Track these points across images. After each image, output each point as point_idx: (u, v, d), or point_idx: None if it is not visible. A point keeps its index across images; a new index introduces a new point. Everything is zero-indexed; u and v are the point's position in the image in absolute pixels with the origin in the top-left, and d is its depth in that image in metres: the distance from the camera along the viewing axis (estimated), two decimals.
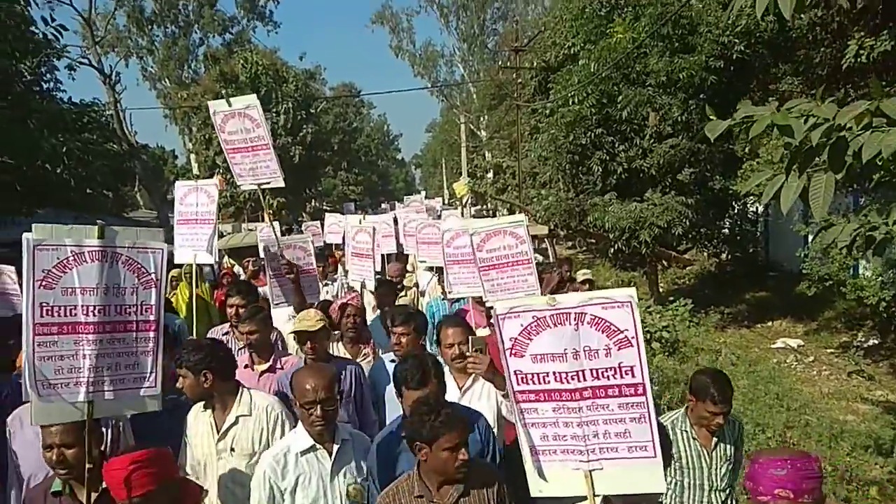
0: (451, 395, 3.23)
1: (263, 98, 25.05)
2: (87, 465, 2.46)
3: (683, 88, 11.17)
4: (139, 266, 2.63)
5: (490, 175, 34.26)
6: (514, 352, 2.22)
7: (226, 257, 11.92)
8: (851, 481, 5.56)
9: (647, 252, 12.07)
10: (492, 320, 2.30)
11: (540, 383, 2.20)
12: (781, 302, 12.40)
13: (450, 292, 5.14)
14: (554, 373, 2.18)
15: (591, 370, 2.14)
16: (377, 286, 6.17)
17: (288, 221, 23.17)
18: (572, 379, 2.15)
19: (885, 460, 6.03)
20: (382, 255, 7.74)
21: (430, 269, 7.62)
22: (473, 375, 3.28)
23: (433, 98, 48.18)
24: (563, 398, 2.18)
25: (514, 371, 2.23)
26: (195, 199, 5.26)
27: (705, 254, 15.59)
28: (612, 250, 12.45)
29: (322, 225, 11.06)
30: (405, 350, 3.71)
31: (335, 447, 2.79)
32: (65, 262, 2.47)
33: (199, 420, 3.15)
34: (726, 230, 14.18)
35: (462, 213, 16.16)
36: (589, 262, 18.21)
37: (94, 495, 2.47)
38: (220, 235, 20.10)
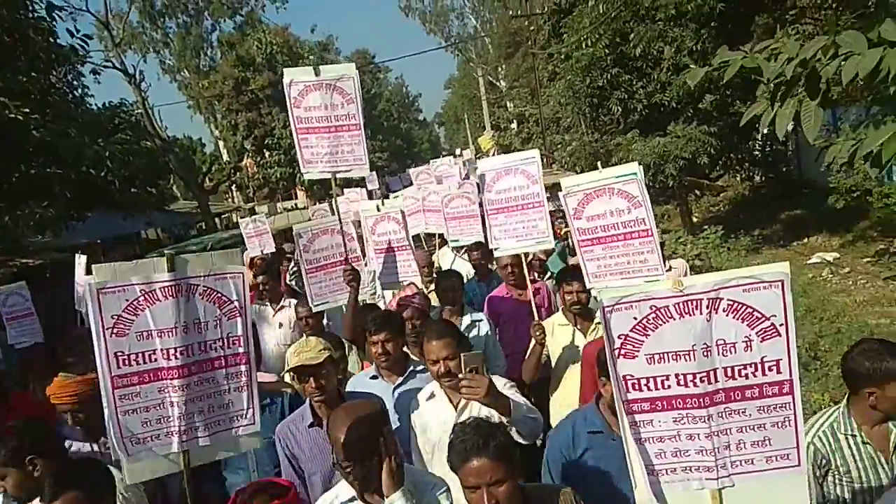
0: (446, 416, 2.84)
1: (280, 77, 25.36)
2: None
3: (694, 19, 11.16)
4: (219, 295, 2.40)
5: (514, 125, 34.17)
6: (623, 352, 1.84)
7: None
8: None
9: (675, 185, 12.25)
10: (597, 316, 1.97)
11: (658, 389, 1.84)
12: (816, 218, 12.40)
13: (496, 248, 3.98)
14: (677, 375, 1.82)
15: (725, 369, 1.80)
16: (438, 281, 4.67)
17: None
18: (701, 381, 1.80)
19: None
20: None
21: (454, 249, 6.53)
22: None
23: (448, 54, 47.60)
24: (688, 405, 1.83)
25: (624, 376, 1.86)
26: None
27: (738, 178, 15.53)
28: None
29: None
30: (393, 359, 3.28)
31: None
32: (135, 303, 2.26)
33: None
34: (757, 152, 14.10)
35: None
36: None
37: None
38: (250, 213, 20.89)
